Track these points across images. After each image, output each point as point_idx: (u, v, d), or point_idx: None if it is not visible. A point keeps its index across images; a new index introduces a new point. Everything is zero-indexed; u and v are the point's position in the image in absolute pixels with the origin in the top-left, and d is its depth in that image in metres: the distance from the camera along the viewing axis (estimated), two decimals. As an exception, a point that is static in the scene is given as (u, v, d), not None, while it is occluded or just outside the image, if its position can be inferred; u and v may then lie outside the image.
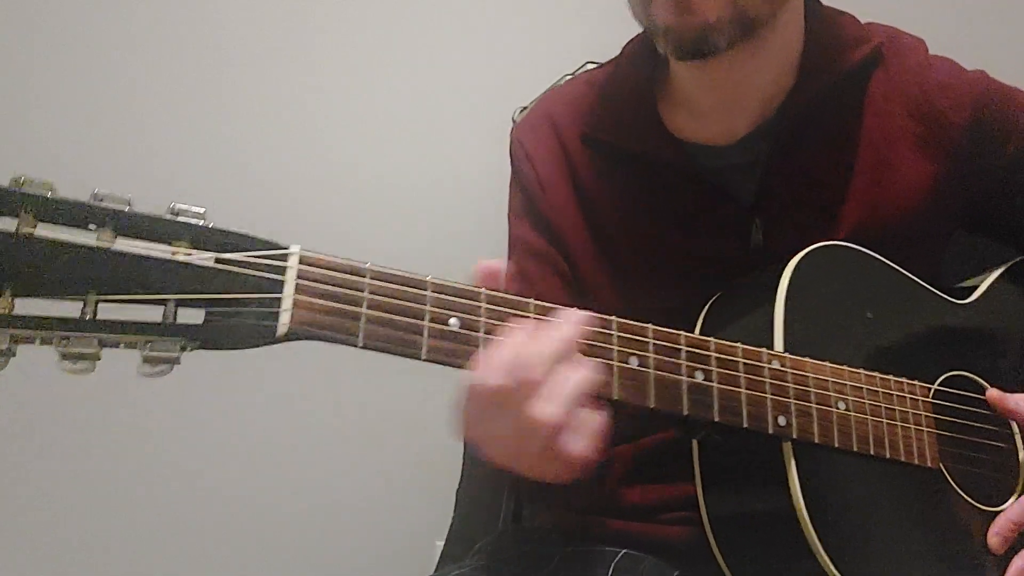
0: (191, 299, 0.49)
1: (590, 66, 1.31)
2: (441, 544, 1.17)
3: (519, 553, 0.89)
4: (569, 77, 1.31)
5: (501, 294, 0.59)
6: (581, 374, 0.57)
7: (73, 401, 1.34)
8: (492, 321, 0.58)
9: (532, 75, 1.23)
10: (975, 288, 0.90)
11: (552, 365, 0.56)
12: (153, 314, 0.49)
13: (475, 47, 1.45)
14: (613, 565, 0.84)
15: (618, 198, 0.88)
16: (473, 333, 0.56)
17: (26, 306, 0.47)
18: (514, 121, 1.47)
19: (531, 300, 0.60)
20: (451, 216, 1.42)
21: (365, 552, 1.41)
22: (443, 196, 1.42)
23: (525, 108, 1.47)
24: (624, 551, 0.85)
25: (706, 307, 0.81)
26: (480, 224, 1.35)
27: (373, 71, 1.42)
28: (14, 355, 0.46)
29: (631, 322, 0.64)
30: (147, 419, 1.36)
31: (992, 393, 0.82)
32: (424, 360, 0.55)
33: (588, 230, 0.89)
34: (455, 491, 1.20)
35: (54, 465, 1.36)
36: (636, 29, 0.85)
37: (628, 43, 0.93)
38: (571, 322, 0.59)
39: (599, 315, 0.62)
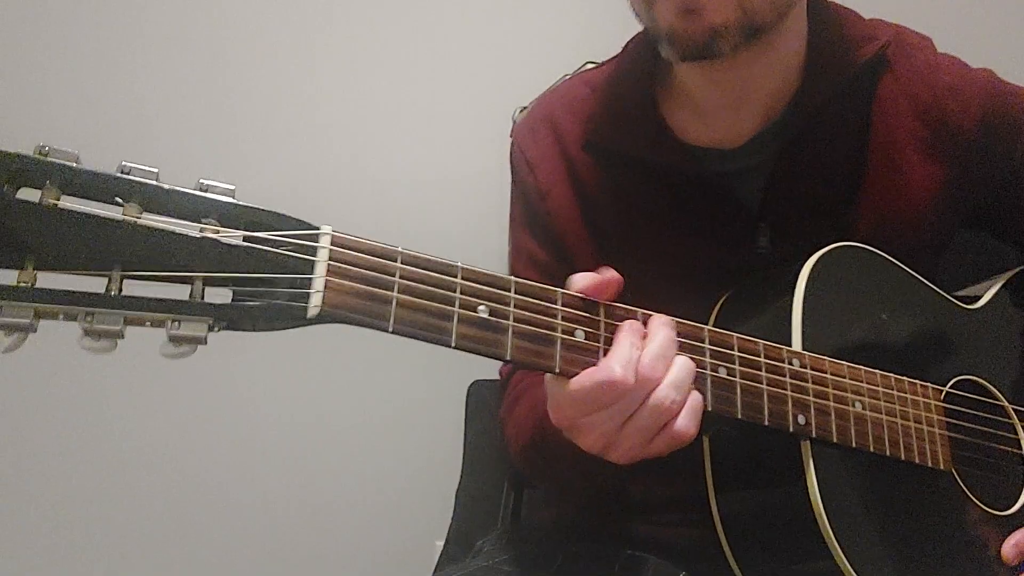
0: (219, 278, 0.47)
1: (590, 66, 1.30)
2: (441, 544, 1.16)
3: (521, 553, 0.88)
4: (569, 75, 1.31)
5: (530, 283, 0.58)
6: (689, 363, 0.62)
7: (73, 401, 1.32)
8: (520, 311, 0.57)
9: (532, 75, 1.23)
10: (982, 293, 0.90)
11: (669, 361, 0.61)
12: (179, 293, 0.47)
13: (475, 47, 1.44)
14: (618, 565, 0.83)
15: (622, 203, 0.87)
16: (502, 322, 0.55)
17: (49, 280, 0.45)
18: (514, 121, 1.46)
19: (558, 290, 0.60)
20: (451, 215, 1.41)
21: (365, 552, 1.40)
22: (443, 196, 1.42)
23: (525, 108, 1.47)
24: (628, 551, 0.84)
25: (718, 304, 0.80)
26: (480, 224, 1.35)
27: (373, 71, 1.41)
28: (35, 331, 0.44)
29: (656, 314, 0.64)
30: (147, 418, 1.35)
31: None
32: (453, 347, 0.53)
33: (591, 236, 0.88)
34: (455, 491, 1.19)
35: (54, 464, 1.33)
36: (636, 28, 0.84)
37: (629, 41, 0.92)
38: (665, 324, 0.63)
39: (627, 307, 0.62)
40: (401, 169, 1.41)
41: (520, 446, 0.83)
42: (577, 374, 0.59)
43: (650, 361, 0.60)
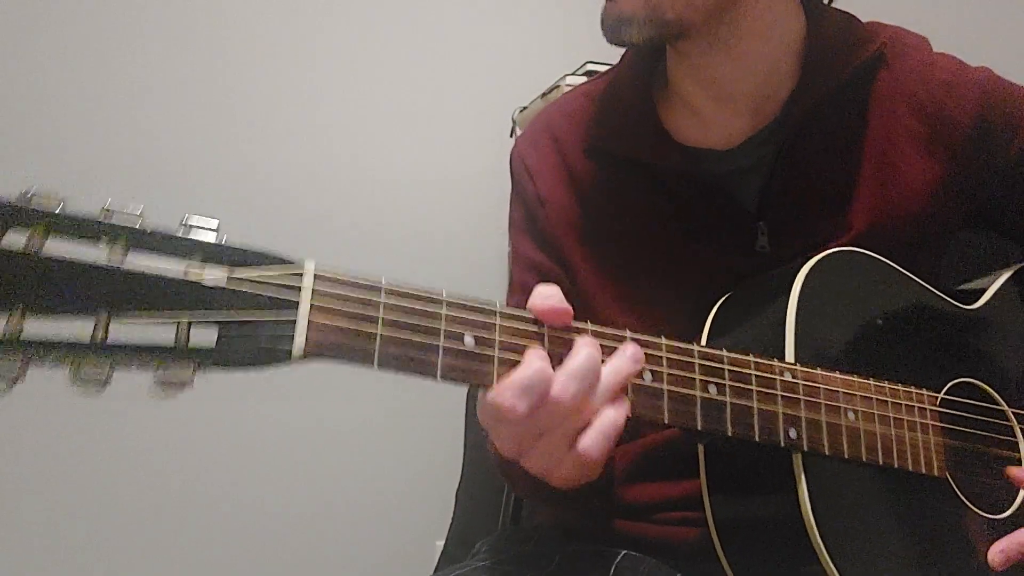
0: (204, 321, 0.48)
1: (590, 66, 1.30)
2: (441, 544, 1.17)
3: (519, 553, 0.88)
4: (569, 75, 1.30)
5: (514, 311, 0.58)
6: (615, 369, 0.59)
7: (72, 407, 1.33)
8: (506, 339, 0.57)
9: (532, 75, 1.23)
10: (982, 292, 0.90)
11: (581, 391, 0.56)
12: (165, 332, 0.48)
13: (475, 48, 1.44)
14: (614, 566, 0.84)
15: (621, 207, 0.87)
16: (487, 352, 0.55)
17: (36, 325, 0.46)
18: (514, 121, 1.46)
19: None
20: (451, 215, 1.41)
21: (365, 552, 1.41)
22: (443, 196, 1.42)
23: (525, 108, 1.47)
24: (625, 551, 0.85)
25: (714, 309, 0.80)
26: (480, 223, 1.35)
27: (374, 71, 1.41)
28: (23, 380, 0.45)
29: (645, 336, 0.63)
30: (149, 421, 1.36)
31: (1014, 473, 0.81)
32: (439, 380, 0.54)
33: (590, 241, 0.88)
34: (455, 491, 1.20)
35: (55, 469, 1.35)
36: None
37: (626, 52, 0.93)
38: (590, 344, 0.59)
39: (613, 330, 0.62)
40: (401, 169, 1.41)
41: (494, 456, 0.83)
42: None
43: (549, 389, 0.56)
